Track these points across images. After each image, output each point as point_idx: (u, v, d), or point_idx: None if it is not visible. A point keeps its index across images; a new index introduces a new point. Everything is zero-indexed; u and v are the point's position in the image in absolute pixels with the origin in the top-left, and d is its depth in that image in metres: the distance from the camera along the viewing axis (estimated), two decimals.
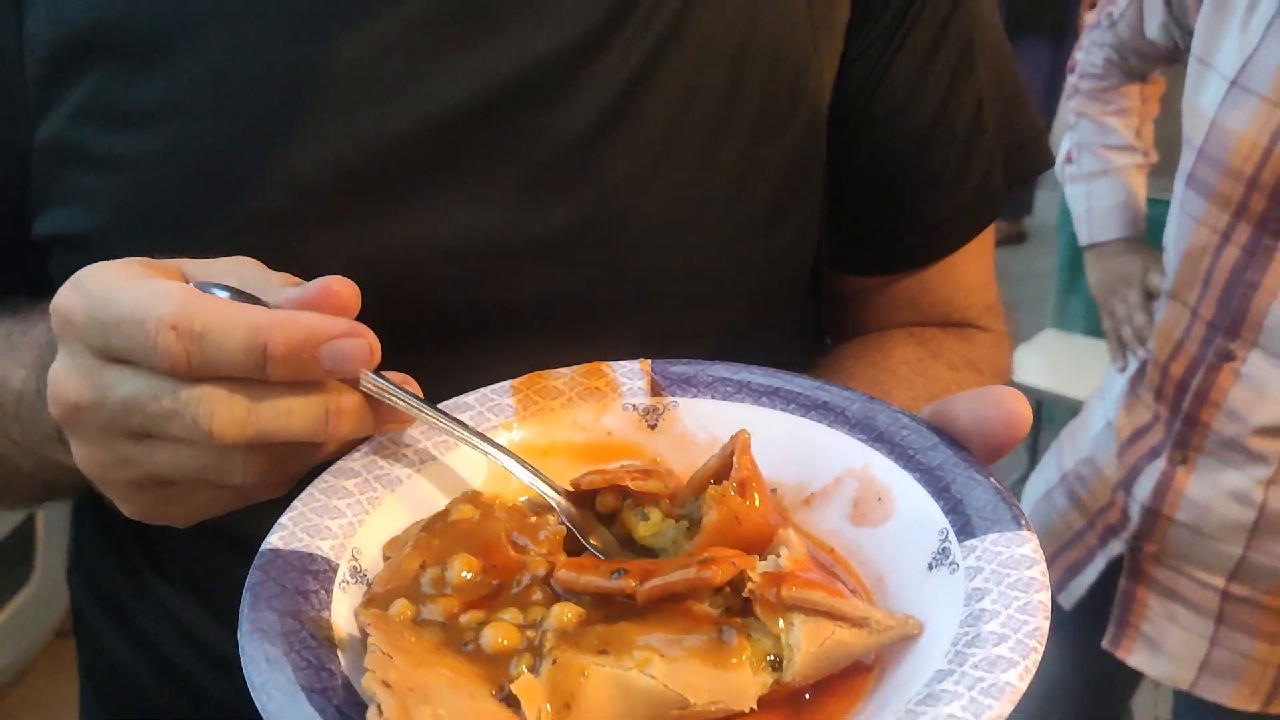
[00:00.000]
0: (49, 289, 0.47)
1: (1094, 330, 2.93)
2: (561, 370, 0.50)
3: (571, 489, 0.46)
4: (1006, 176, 0.75)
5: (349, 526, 0.43)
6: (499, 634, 0.38)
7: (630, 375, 0.50)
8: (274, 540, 0.42)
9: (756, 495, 0.42)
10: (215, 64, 0.57)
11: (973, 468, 0.41)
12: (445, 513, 0.45)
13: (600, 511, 0.45)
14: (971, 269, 0.77)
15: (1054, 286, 3.03)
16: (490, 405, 0.49)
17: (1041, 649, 0.33)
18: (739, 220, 0.64)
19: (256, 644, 0.36)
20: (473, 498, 0.45)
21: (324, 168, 0.56)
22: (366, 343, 0.43)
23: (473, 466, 0.47)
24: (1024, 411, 0.42)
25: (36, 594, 2.30)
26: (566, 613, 0.38)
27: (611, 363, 0.50)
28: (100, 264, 0.44)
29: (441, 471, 0.46)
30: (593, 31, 0.59)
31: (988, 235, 0.77)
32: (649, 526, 0.44)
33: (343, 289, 0.44)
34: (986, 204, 0.74)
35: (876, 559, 0.42)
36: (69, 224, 0.59)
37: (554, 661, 0.35)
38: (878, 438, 0.44)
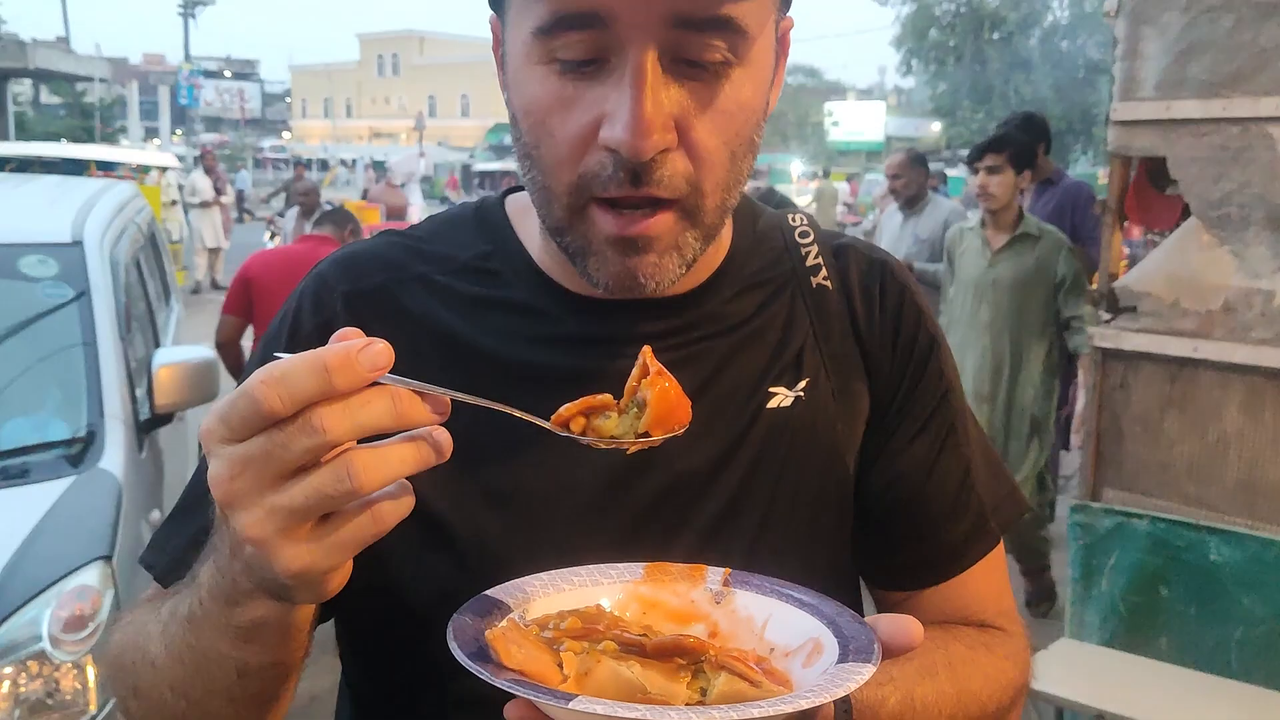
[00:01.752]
0: None
1: (1109, 640, 3.00)
2: (677, 565, 0.77)
3: (555, 421, 0.69)
4: (997, 520, 0.98)
5: (525, 602, 0.72)
6: (570, 646, 0.65)
7: (715, 573, 0.76)
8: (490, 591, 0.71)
9: (668, 377, 0.70)
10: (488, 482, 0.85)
11: (869, 632, 0.67)
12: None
13: (574, 430, 0.70)
14: (984, 582, 0.97)
15: (1069, 597, 3.13)
16: (626, 569, 0.76)
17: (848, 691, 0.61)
18: (805, 562, 0.87)
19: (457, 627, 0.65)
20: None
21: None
22: (383, 344, 0.58)
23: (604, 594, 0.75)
24: (916, 631, 0.68)
25: None
26: (607, 644, 0.65)
27: (708, 567, 0.77)
28: None
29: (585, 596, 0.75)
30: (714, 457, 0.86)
31: (996, 556, 0.98)
32: (611, 424, 0.70)
33: (345, 332, 0.60)
34: (981, 538, 0.96)
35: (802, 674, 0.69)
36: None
37: (588, 654, 0.63)
38: (833, 627, 0.69)
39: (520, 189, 0.92)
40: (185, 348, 3.57)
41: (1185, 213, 3.15)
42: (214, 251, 14.63)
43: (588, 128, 0.74)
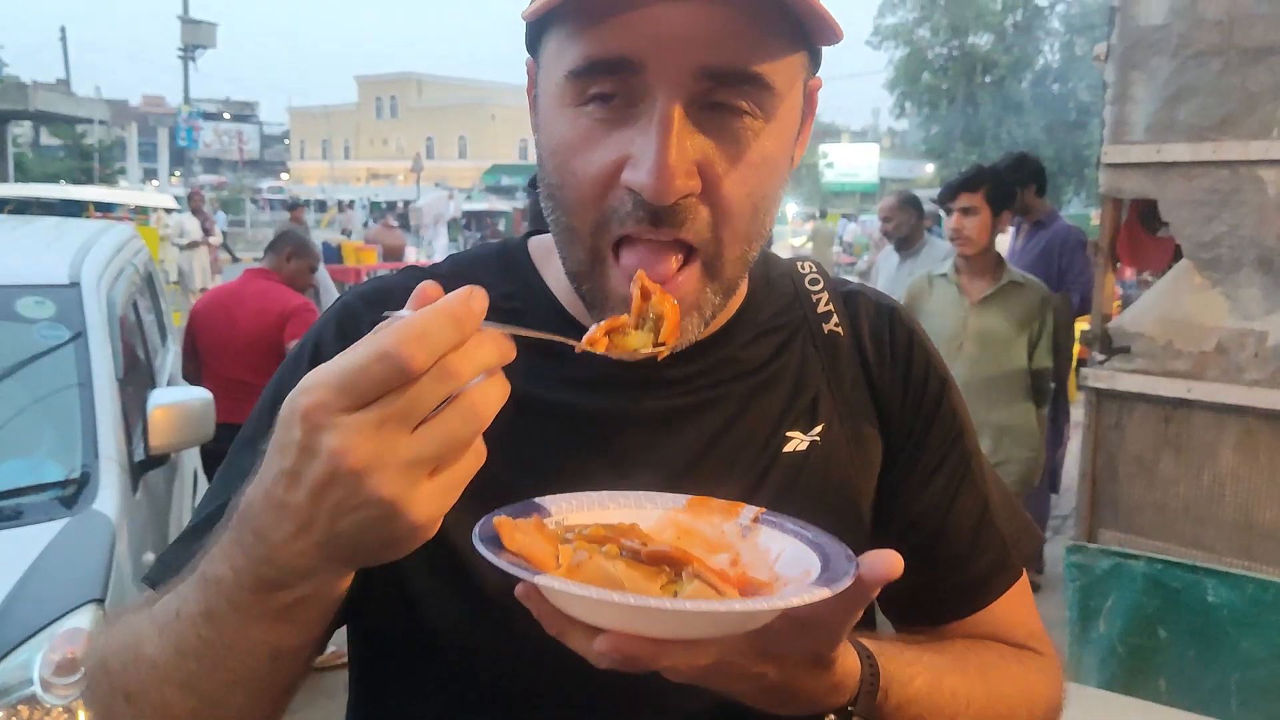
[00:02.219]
0: None
1: (1108, 683, 2.98)
2: (718, 500, 0.81)
3: (585, 344, 0.74)
4: (1017, 552, 0.99)
5: (567, 513, 0.77)
6: (579, 545, 0.70)
7: (749, 510, 0.80)
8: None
9: (668, 295, 0.77)
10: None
11: (852, 564, 0.70)
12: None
13: (604, 351, 0.75)
14: (1011, 612, 0.98)
15: (1066, 639, 3.11)
16: (671, 499, 0.80)
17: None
18: None
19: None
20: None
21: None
22: (481, 290, 0.61)
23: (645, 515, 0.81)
24: (896, 561, 0.68)
25: None
26: (610, 547, 0.69)
27: (745, 505, 0.81)
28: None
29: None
30: None
31: (1020, 586, 0.99)
32: (633, 338, 0.75)
33: (429, 289, 0.64)
34: (1004, 571, 0.97)
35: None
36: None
37: (583, 549, 0.68)
38: (824, 559, 0.73)
39: (540, 232, 0.94)
40: (180, 389, 3.58)
41: (1177, 254, 3.17)
42: (204, 291, 14.64)
43: (611, 168, 0.76)
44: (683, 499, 0.80)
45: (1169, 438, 3.08)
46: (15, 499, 2.63)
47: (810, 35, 0.79)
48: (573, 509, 0.77)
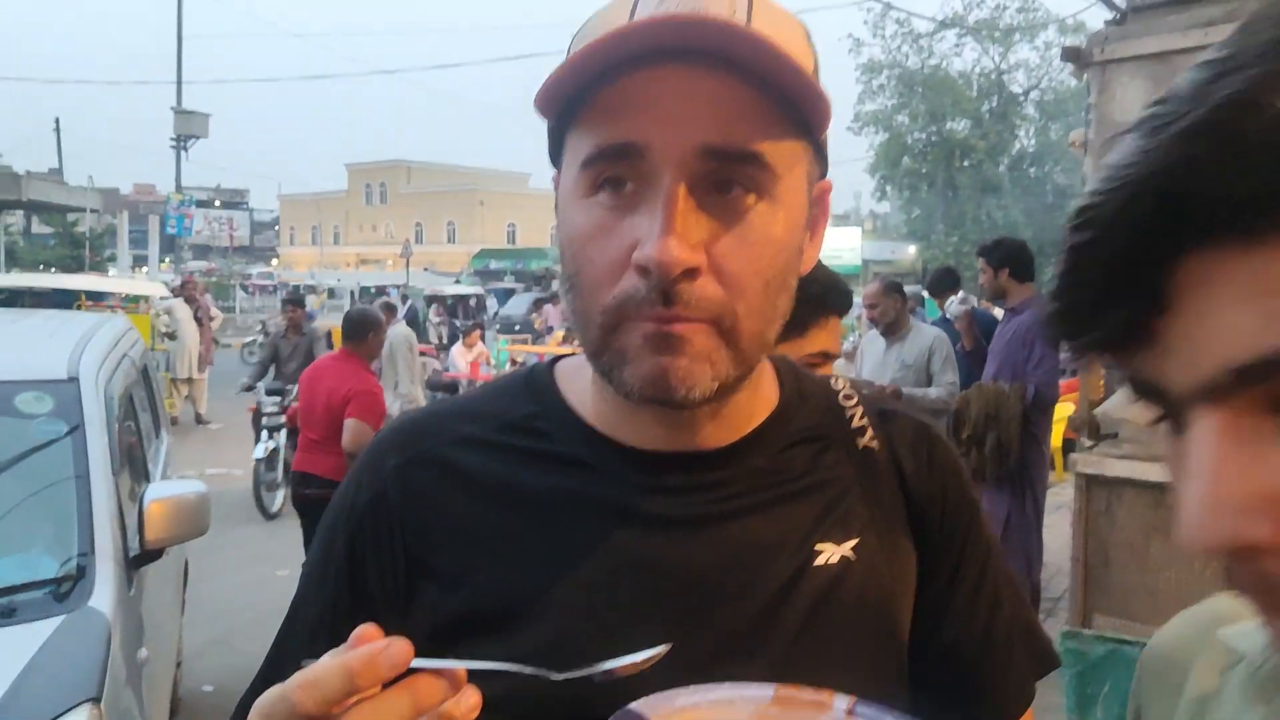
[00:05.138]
0: None
1: None
2: (807, 691, 0.79)
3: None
4: (1035, 673, 0.99)
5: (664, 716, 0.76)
6: None
7: (842, 700, 0.77)
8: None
9: None
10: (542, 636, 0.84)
11: None
12: None
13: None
14: None
15: None
16: (759, 689, 0.78)
17: None
18: None
19: None
20: None
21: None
22: (402, 643, 0.63)
23: None
24: None
25: None
26: None
27: (836, 694, 0.78)
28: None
29: None
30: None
31: (1029, 711, 0.99)
32: None
33: (366, 632, 0.64)
34: (1022, 698, 0.98)
35: None
36: None
37: None
38: None
39: (568, 356, 0.97)
40: (176, 482, 3.58)
41: None
42: (187, 382, 13.95)
43: (623, 252, 0.79)
44: (769, 690, 0.79)
45: (1158, 522, 3.11)
46: (10, 595, 2.62)
47: (811, 126, 0.82)
48: (665, 712, 0.76)
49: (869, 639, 0.89)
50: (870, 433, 0.97)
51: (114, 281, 16.96)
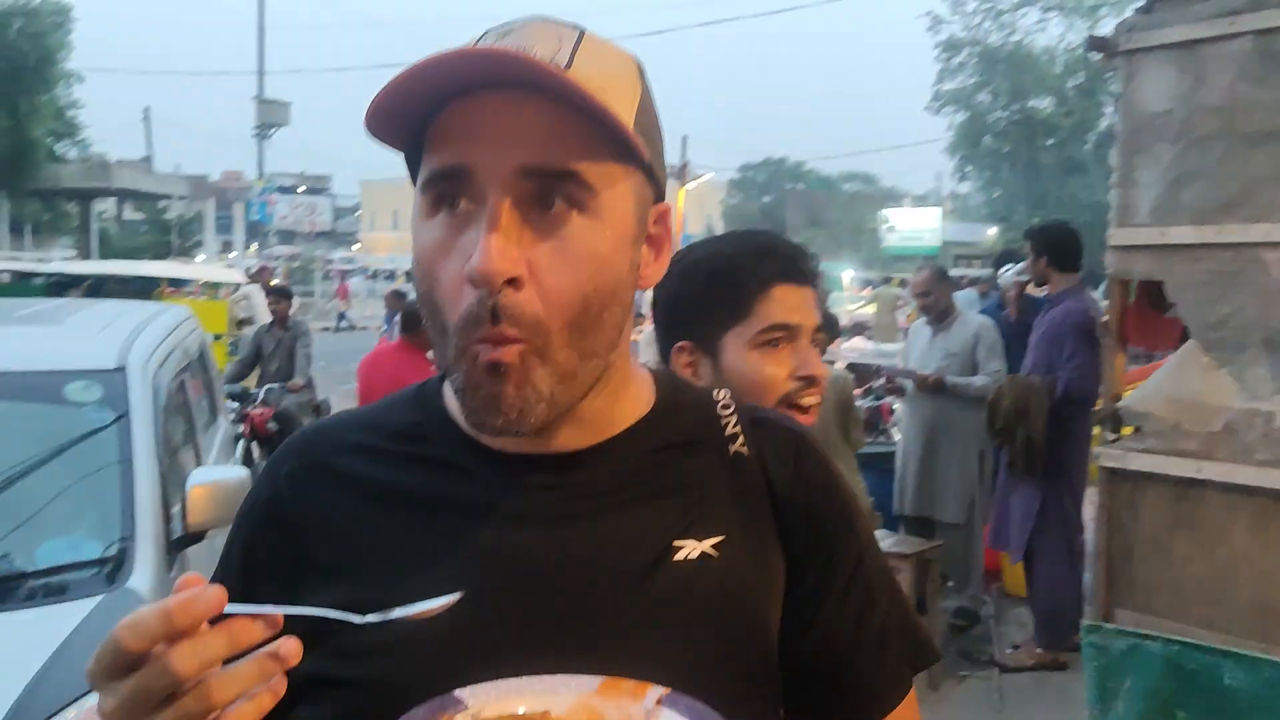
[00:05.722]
0: None
1: None
2: (629, 681, 0.83)
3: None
4: (911, 667, 1.03)
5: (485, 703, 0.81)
6: None
7: (654, 692, 0.82)
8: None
9: None
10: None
11: None
12: None
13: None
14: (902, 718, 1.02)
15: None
16: (586, 681, 0.82)
17: None
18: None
19: None
20: None
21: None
22: (216, 589, 0.68)
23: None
24: None
25: None
26: None
27: (652, 685, 0.83)
28: None
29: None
30: None
31: (910, 698, 1.02)
32: None
33: (188, 579, 0.70)
34: (898, 686, 1.01)
35: None
36: None
37: None
38: None
39: None
40: (220, 468, 3.74)
41: (1185, 334, 3.19)
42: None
43: (463, 269, 0.85)
44: (596, 681, 0.82)
45: (1181, 518, 3.07)
46: (53, 577, 2.79)
47: (637, 152, 0.87)
48: (490, 699, 0.81)
49: (729, 632, 0.92)
50: (741, 439, 1.01)
51: (194, 268, 17.53)
